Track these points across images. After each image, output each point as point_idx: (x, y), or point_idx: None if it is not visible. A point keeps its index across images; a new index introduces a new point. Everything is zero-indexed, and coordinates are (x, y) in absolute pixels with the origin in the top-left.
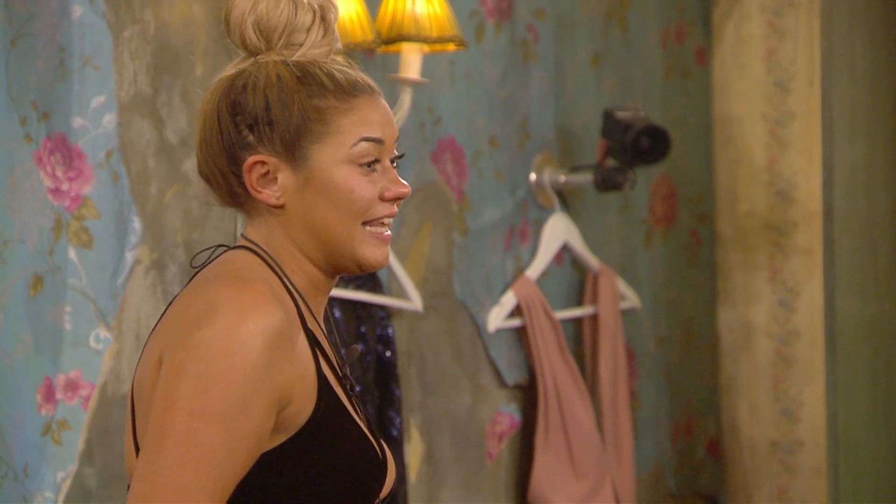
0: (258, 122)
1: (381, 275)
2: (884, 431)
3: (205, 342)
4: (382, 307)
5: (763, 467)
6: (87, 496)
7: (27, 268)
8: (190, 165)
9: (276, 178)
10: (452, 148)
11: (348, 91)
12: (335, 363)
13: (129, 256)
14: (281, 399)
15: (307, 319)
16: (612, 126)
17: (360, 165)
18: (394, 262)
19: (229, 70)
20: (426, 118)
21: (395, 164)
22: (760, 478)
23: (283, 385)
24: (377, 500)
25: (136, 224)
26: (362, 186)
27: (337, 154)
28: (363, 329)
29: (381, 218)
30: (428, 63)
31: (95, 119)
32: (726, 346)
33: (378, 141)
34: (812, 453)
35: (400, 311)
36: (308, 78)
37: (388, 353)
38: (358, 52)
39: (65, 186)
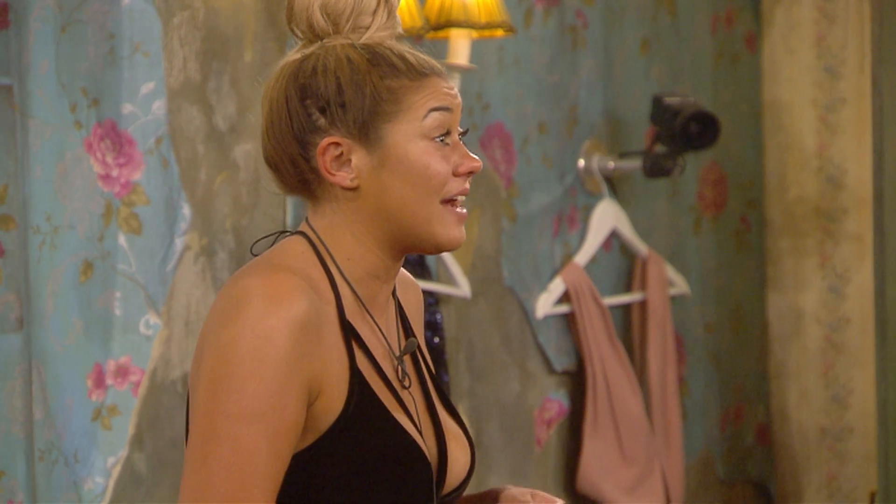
0: (330, 105)
1: (430, 261)
2: None
3: (231, 342)
4: (431, 293)
5: (813, 454)
6: (137, 481)
7: (77, 254)
8: (239, 152)
9: (349, 160)
10: (501, 134)
11: (420, 71)
12: (388, 355)
13: (179, 243)
14: (311, 391)
15: (349, 310)
16: (661, 112)
17: (433, 140)
18: None
19: (294, 55)
20: (475, 104)
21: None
22: (810, 464)
23: (313, 375)
24: (436, 499)
25: (186, 210)
26: (437, 161)
27: (410, 130)
28: None
29: (457, 195)
30: (476, 49)
31: (145, 105)
32: (776, 332)
33: (447, 109)
34: (862, 440)
35: (448, 298)
36: (378, 59)
37: (436, 340)
38: (407, 38)
39: (115, 173)
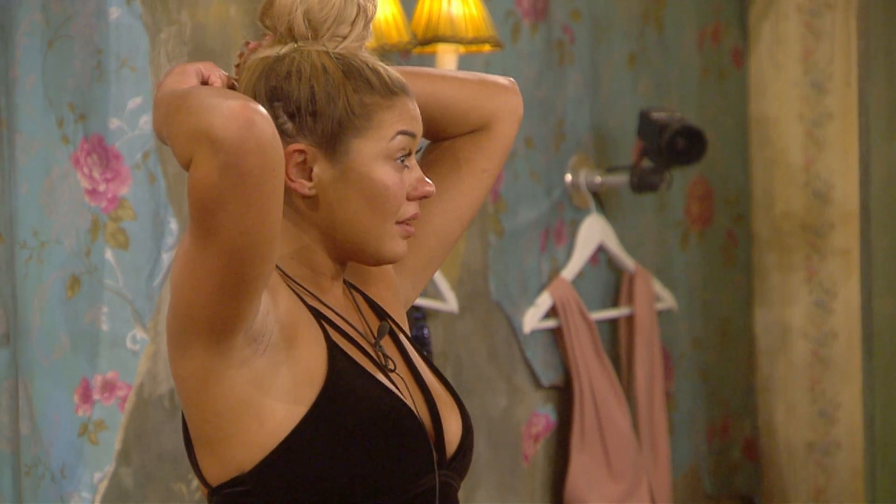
0: (301, 111)
1: None
2: None
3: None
4: (418, 308)
5: (800, 468)
6: (123, 496)
7: (64, 269)
8: None
9: (311, 169)
10: None
11: (391, 89)
12: (361, 343)
13: (166, 258)
14: (269, 306)
15: (307, 299)
16: (647, 127)
17: (396, 160)
18: None
19: (266, 51)
20: None
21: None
22: (797, 479)
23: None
24: (437, 462)
25: (173, 225)
26: (397, 185)
27: (376, 148)
28: None
29: (410, 219)
30: (464, 64)
31: (132, 120)
32: (763, 347)
33: (412, 135)
34: (849, 454)
35: (435, 312)
36: (353, 72)
37: (423, 354)
38: (394, 53)
39: (101, 188)
